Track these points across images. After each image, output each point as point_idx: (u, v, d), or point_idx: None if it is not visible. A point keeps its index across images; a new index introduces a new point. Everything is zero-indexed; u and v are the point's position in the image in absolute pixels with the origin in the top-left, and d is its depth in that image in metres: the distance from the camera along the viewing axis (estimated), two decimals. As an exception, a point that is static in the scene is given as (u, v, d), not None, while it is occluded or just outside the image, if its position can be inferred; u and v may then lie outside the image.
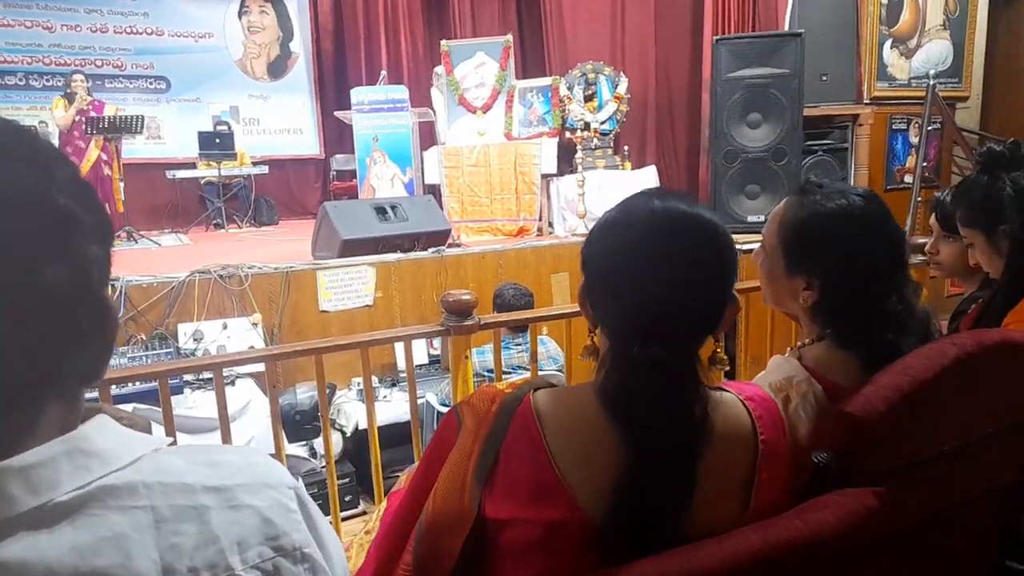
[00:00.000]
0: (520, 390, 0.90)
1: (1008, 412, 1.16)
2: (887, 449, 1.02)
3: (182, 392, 3.40)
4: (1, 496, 0.48)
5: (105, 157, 6.03)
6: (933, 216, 2.08)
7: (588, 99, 6.43)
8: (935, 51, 5.67)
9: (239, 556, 0.56)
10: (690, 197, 0.94)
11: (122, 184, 6.05)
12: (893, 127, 5.55)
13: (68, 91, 6.06)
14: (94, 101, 6.14)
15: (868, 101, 5.51)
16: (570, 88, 6.41)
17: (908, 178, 5.50)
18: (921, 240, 2.86)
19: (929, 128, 5.11)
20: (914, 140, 5.55)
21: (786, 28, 5.40)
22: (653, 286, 0.85)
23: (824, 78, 5.40)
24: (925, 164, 5.25)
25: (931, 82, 4.91)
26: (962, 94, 5.87)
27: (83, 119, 5.94)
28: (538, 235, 5.70)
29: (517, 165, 5.92)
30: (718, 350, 0.97)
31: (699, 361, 0.90)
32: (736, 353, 2.98)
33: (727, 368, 0.97)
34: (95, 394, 1.83)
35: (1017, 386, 1.15)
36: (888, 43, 5.55)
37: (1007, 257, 1.60)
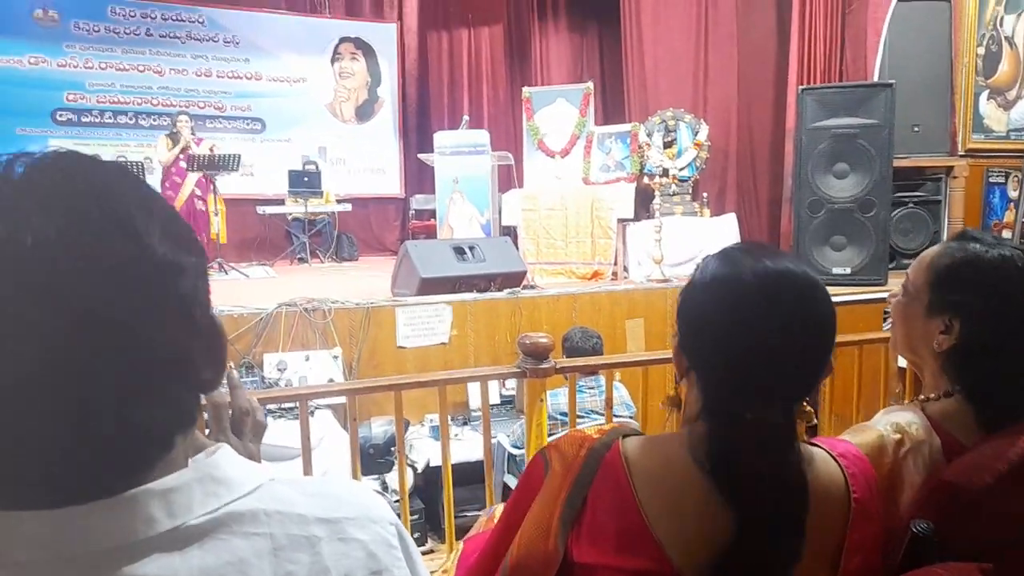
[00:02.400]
0: (608, 436, 0.90)
1: None
2: (990, 522, 0.98)
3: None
4: (144, 517, 0.52)
5: (199, 192, 6.39)
6: None
7: (667, 145, 6.43)
8: (1036, 103, 5.44)
9: None
10: (787, 253, 0.94)
11: (217, 217, 6.38)
12: (990, 180, 5.32)
13: (173, 131, 6.48)
14: (195, 139, 6.53)
15: (963, 153, 5.32)
16: (649, 134, 6.43)
17: (1007, 233, 5.24)
18: None
19: (1030, 182, 4.89)
20: (1013, 194, 5.30)
21: (875, 78, 5.29)
22: (764, 342, 0.85)
23: (916, 129, 5.24)
24: (1024, 220, 5.00)
25: (1032, 135, 4.71)
26: (1066, 148, 5.59)
27: (183, 156, 6.33)
28: (612, 279, 5.68)
29: (594, 209, 5.95)
30: (805, 404, 0.95)
31: (796, 422, 0.89)
32: (818, 410, 2.88)
33: (813, 422, 0.95)
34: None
35: None
36: (985, 94, 5.36)
37: None
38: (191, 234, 0.58)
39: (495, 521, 1.02)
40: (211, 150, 6.51)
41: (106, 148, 7.50)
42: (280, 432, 3.44)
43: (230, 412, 0.88)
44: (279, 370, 3.67)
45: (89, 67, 7.58)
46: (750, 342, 0.85)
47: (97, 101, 7.66)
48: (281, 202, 7.44)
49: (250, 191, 7.82)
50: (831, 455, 0.91)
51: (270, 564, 0.55)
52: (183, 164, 6.32)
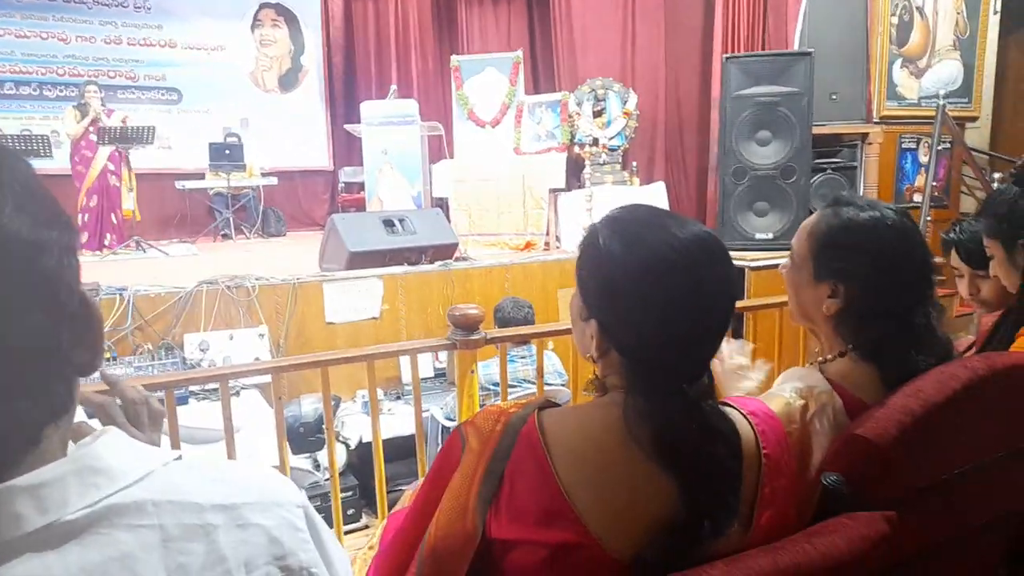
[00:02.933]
0: (525, 409, 0.89)
1: (1018, 436, 1.15)
2: (898, 473, 1.01)
3: (187, 402, 3.39)
4: (9, 515, 0.48)
5: (112, 167, 6.07)
6: (954, 256, 2.01)
7: (597, 115, 6.45)
8: (945, 71, 5.66)
9: None
10: (673, 214, 0.94)
11: (132, 193, 6.09)
12: (903, 146, 5.53)
13: (81, 102, 6.11)
14: (105, 111, 6.18)
15: (877, 120, 5.50)
16: (579, 104, 6.43)
17: (917, 197, 5.48)
18: (937, 260, 2.84)
19: (939, 148, 5.10)
20: (923, 159, 5.54)
21: (795, 47, 5.40)
22: (698, 317, 0.86)
23: (833, 97, 5.39)
24: (935, 184, 5.23)
25: (941, 102, 4.91)
26: (972, 114, 5.85)
27: (93, 129, 5.99)
28: (545, 249, 5.71)
29: (525, 179, 5.93)
30: None
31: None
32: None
33: None
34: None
35: (1028, 410, 1.14)
36: (898, 63, 5.55)
37: (1021, 271, 1.59)
38: (55, 208, 0.52)
39: None
40: (123, 122, 6.18)
41: (9, 121, 7.04)
42: (205, 413, 3.34)
43: (120, 407, 0.84)
44: (201, 350, 3.54)
45: (-15, 34, 7.07)
46: (686, 319, 0.85)
47: (-4, 71, 7.16)
48: (201, 176, 7.14)
49: (168, 165, 7.48)
50: (742, 413, 0.92)
51: (160, 557, 0.52)
52: (93, 137, 5.98)
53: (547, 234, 5.82)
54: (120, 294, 3.59)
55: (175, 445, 1.99)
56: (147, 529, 0.52)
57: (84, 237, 5.89)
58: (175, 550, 0.52)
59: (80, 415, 0.60)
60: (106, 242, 5.99)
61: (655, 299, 0.84)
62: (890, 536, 0.91)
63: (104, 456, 0.53)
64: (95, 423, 0.76)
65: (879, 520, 0.92)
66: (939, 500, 1.08)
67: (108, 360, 3.44)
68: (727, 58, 5.02)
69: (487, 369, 3.10)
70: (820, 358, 1.20)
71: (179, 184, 7.07)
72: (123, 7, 7.55)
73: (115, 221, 6.06)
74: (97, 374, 0.63)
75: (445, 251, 4.75)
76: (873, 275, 1.12)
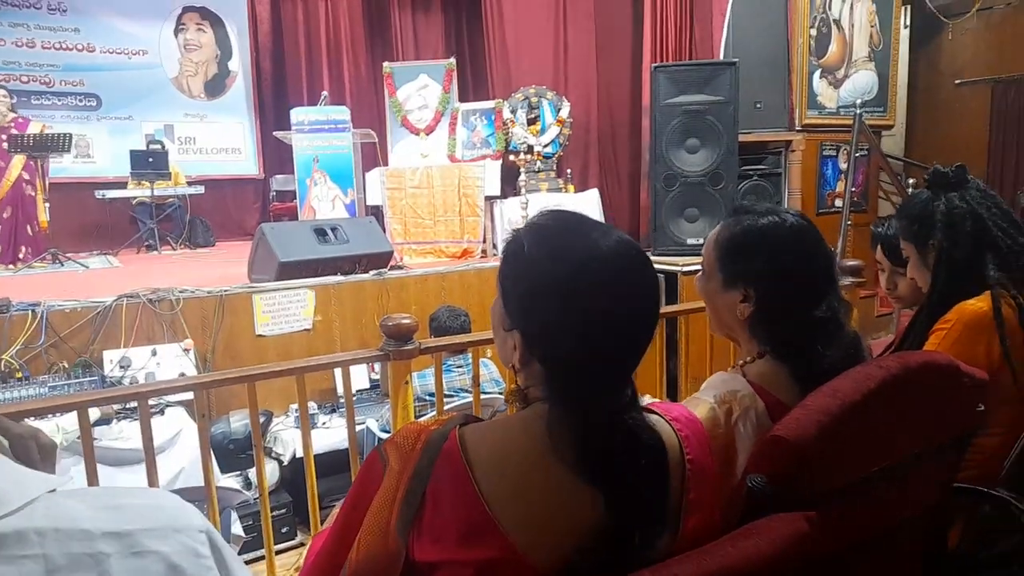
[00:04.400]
0: (446, 426, 0.87)
1: (932, 433, 1.19)
2: (819, 472, 1.03)
3: (109, 423, 3.24)
4: None
5: (27, 176, 5.78)
6: (879, 251, 2.06)
7: (531, 122, 6.48)
8: (861, 82, 5.92)
9: None
10: (595, 222, 0.93)
11: (47, 204, 5.80)
12: (824, 153, 5.75)
13: (-11, 107, 5.80)
14: (17, 118, 5.89)
15: (800, 128, 5.71)
16: (513, 111, 6.46)
17: (838, 202, 5.70)
18: (851, 263, 2.95)
19: (857, 155, 5.32)
20: (843, 166, 5.77)
21: (721, 57, 5.56)
22: (623, 330, 0.85)
23: (758, 106, 5.57)
24: (854, 189, 5.45)
25: (858, 111, 5.12)
26: (887, 123, 6.13)
27: (5, 137, 5.69)
28: (482, 257, 5.70)
29: (461, 187, 5.92)
30: None
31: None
32: (677, 374, 3.01)
33: None
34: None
35: (939, 408, 1.18)
36: (817, 73, 5.77)
37: (931, 271, 1.67)
38: None
39: None
40: (42, 130, 5.89)
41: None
42: (128, 433, 3.19)
43: (7, 445, 0.79)
44: (122, 368, 3.39)
45: None
46: (610, 330, 0.84)
47: None
48: (123, 186, 6.86)
49: (88, 174, 7.18)
50: (665, 419, 0.93)
51: None
52: (5, 145, 5.68)
53: (484, 241, 5.82)
54: (32, 310, 3.40)
55: (91, 468, 1.89)
56: (29, 559, 0.49)
57: (-2, 250, 5.59)
58: None
59: None
60: (20, 255, 5.69)
61: (579, 311, 0.83)
62: (811, 535, 0.93)
63: None
64: None
65: (800, 520, 0.93)
66: (859, 497, 1.11)
67: (20, 380, 3.26)
68: (656, 67, 5.13)
69: (423, 379, 3.06)
70: (740, 361, 1.23)
71: (99, 193, 6.77)
72: (36, 8, 7.20)
73: (31, 233, 5.77)
74: None
75: (379, 260, 4.68)
76: (775, 275, 1.17)
